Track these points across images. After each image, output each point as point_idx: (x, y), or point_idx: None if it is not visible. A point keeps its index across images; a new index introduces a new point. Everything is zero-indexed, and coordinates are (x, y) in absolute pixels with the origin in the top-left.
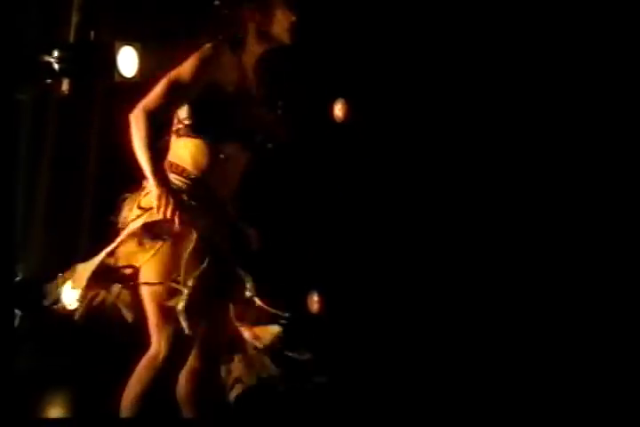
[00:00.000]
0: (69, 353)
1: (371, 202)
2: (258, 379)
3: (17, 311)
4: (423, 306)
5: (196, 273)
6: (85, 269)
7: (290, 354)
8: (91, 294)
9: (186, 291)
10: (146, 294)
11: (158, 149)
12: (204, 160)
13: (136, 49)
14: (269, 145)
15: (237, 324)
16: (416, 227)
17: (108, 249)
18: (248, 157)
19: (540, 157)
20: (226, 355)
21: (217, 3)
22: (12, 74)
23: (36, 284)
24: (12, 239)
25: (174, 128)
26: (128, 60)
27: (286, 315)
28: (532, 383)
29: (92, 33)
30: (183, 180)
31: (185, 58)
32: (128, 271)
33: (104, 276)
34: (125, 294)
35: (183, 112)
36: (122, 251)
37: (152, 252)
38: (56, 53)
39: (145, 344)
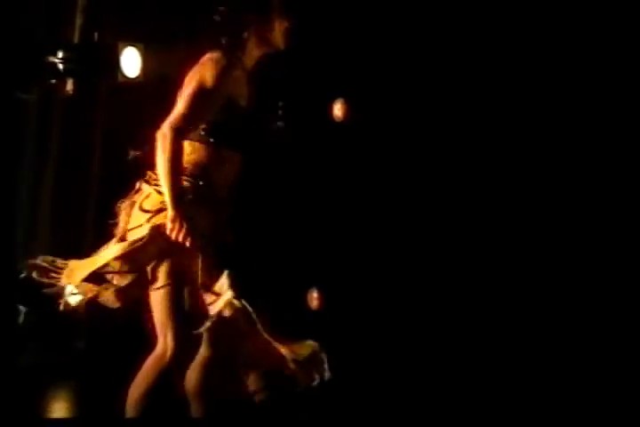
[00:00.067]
0: (74, 349)
1: (370, 200)
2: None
3: (22, 308)
4: (423, 303)
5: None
6: (80, 267)
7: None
8: (91, 291)
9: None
10: (155, 294)
11: (180, 170)
12: (207, 162)
13: (139, 50)
14: (265, 146)
15: (272, 342)
16: (415, 225)
17: (117, 253)
18: (242, 158)
19: (540, 157)
20: (263, 369)
21: (221, 9)
22: (16, 74)
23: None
24: (13, 238)
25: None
26: (131, 61)
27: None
28: (531, 382)
29: (96, 34)
30: (188, 179)
31: (188, 59)
32: (133, 275)
33: (103, 276)
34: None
35: None
36: (132, 254)
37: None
38: (61, 54)
39: (151, 343)
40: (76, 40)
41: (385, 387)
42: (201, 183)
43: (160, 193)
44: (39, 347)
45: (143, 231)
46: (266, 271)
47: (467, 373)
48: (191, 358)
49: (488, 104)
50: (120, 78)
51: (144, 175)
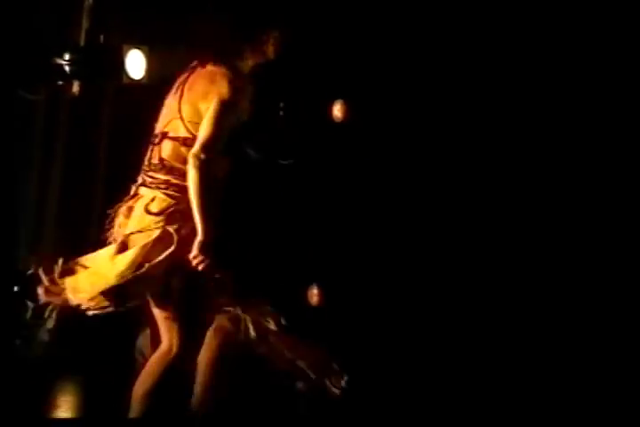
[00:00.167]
0: (80, 344)
1: (369, 199)
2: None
3: (29, 303)
4: (422, 300)
5: None
6: (87, 282)
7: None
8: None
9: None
10: (160, 292)
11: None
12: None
13: (143, 52)
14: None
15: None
16: (414, 223)
17: (133, 261)
18: (230, 161)
19: (539, 159)
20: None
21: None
22: (23, 75)
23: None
24: (16, 236)
25: (181, 136)
26: (136, 63)
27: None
28: (531, 382)
29: (102, 37)
30: (184, 180)
31: (190, 61)
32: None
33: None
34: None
35: (194, 127)
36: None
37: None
38: (67, 56)
39: (156, 341)
40: (82, 43)
41: (385, 384)
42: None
43: (169, 196)
44: (45, 342)
45: (153, 235)
46: (266, 268)
47: (465, 370)
48: (195, 355)
49: (487, 105)
50: (125, 80)
51: (136, 180)
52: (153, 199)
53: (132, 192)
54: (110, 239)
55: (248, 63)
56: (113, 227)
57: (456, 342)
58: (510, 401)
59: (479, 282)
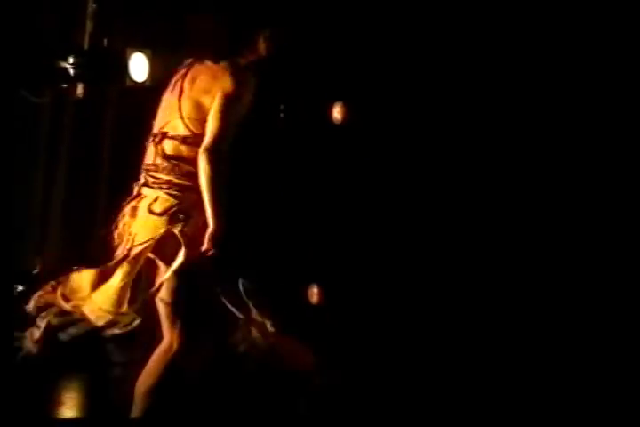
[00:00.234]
0: (83, 342)
1: (369, 200)
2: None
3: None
4: (422, 299)
5: None
6: (103, 299)
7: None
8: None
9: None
10: (163, 290)
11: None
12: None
13: (146, 55)
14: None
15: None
16: (413, 223)
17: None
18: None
19: (538, 166)
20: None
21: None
22: (28, 78)
23: (52, 276)
24: (19, 238)
25: (180, 135)
26: (139, 66)
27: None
28: (530, 381)
29: (105, 40)
30: (186, 179)
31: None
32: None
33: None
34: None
35: (194, 124)
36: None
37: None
38: (71, 59)
39: (158, 337)
40: (86, 46)
41: (384, 383)
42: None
43: (172, 196)
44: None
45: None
46: (266, 267)
47: (465, 369)
48: (196, 352)
49: (486, 106)
50: (128, 83)
51: (139, 179)
52: (156, 199)
53: (135, 192)
54: (116, 239)
55: (244, 60)
56: (118, 227)
57: (456, 341)
58: (510, 401)
59: (479, 281)
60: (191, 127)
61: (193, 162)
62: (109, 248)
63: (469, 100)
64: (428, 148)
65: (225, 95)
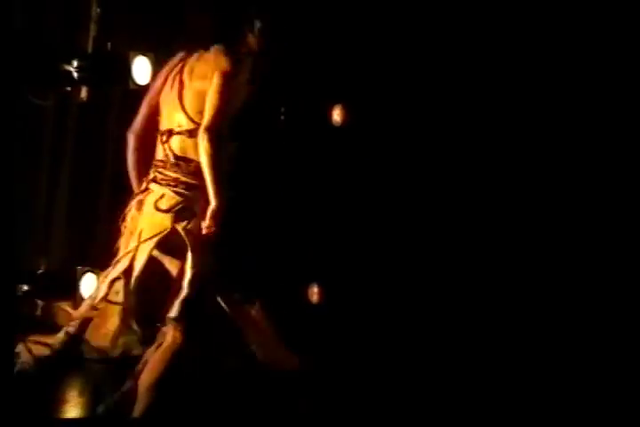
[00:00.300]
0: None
1: (368, 201)
2: None
3: (39, 302)
4: (422, 298)
5: None
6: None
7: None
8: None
9: None
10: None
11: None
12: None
13: (149, 58)
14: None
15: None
16: (412, 223)
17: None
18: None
19: (538, 172)
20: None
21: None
22: (33, 81)
23: (57, 276)
24: (24, 238)
25: (186, 129)
26: (142, 69)
27: None
28: (530, 381)
29: (109, 44)
30: (193, 178)
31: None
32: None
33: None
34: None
35: (197, 117)
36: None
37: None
38: (75, 63)
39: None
40: (89, 50)
41: (384, 381)
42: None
43: (178, 194)
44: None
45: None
46: (267, 266)
47: (465, 368)
48: (199, 349)
49: (485, 110)
50: (131, 86)
51: (148, 175)
52: (162, 196)
53: (142, 187)
54: (123, 230)
55: (236, 49)
56: (125, 220)
57: (456, 340)
58: (510, 401)
59: (478, 280)
60: (196, 120)
61: (193, 154)
62: (113, 247)
63: (469, 102)
64: (428, 150)
65: (222, 73)
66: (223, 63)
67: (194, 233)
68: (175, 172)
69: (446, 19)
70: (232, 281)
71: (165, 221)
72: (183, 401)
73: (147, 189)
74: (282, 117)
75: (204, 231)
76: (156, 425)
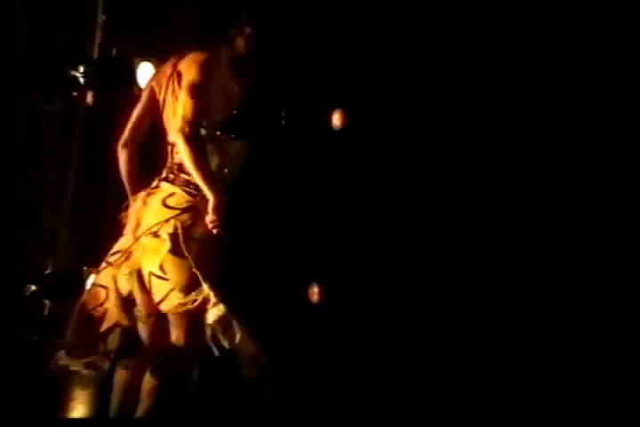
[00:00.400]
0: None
1: (368, 203)
2: None
3: (46, 301)
4: (422, 298)
5: None
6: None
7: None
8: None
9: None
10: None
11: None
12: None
13: (153, 64)
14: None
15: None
16: (412, 224)
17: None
18: (243, 147)
19: (537, 176)
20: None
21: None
22: (40, 86)
23: (64, 276)
24: (30, 239)
25: None
26: (146, 75)
27: None
28: (529, 381)
29: (114, 50)
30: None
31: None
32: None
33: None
34: None
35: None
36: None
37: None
38: (81, 68)
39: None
40: (95, 55)
41: (384, 381)
42: None
43: (188, 193)
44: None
45: (168, 230)
46: (266, 266)
47: (465, 368)
48: (199, 353)
49: (485, 113)
50: (136, 90)
51: (160, 174)
52: (172, 194)
53: (153, 184)
54: (125, 221)
55: (221, 53)
56: (128, 211)
57: (456, 340)
58: (510, 401)
59: (478, 279)
60: None
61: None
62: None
63: (468, 106)
64: (427, 153)
65: (189, 82)
66: (192, 72)
67: (195, 240)
68: (188, 174)
69: (445, 23)
70: (232, 281)
71: (169, 214)
72: (183, 401)
73: (157, 186)
74: (282, 121)
75: (209, 226)
76: (157, 425)
